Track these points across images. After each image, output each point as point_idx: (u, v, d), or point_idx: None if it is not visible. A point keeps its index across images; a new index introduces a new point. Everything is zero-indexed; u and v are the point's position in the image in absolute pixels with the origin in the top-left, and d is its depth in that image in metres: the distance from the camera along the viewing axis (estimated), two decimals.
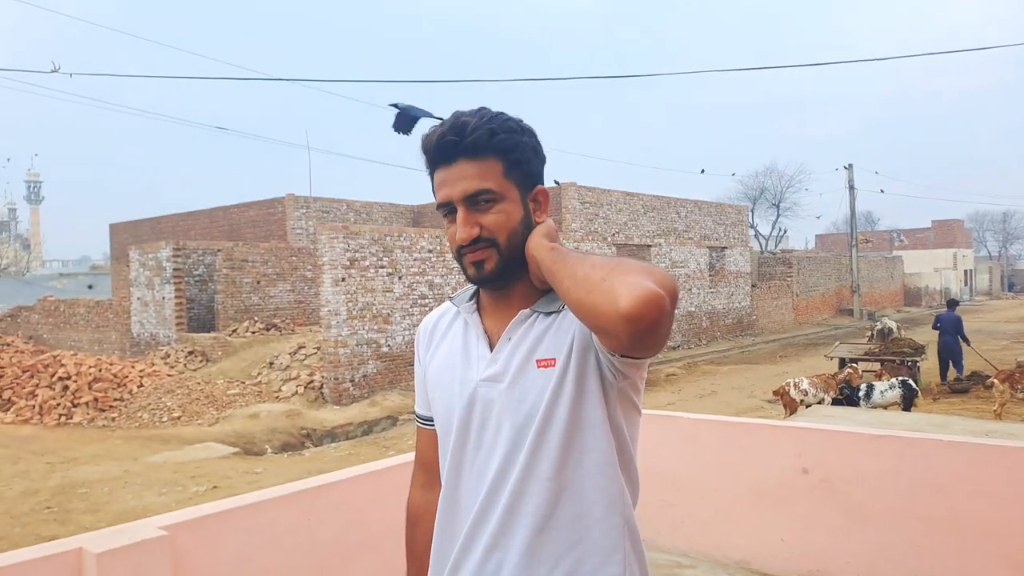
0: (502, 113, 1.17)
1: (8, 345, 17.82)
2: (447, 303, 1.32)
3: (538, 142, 1.22)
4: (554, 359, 1.12)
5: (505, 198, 1.15)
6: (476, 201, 1.14)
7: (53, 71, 8.48)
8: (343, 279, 12.13)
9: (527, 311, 1.17)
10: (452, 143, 1.14)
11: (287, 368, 12.26)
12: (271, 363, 12.59)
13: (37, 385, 13.09)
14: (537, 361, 1.13)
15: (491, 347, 1.19)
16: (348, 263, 12.28)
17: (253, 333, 14.86)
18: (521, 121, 1.20)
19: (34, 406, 12.30)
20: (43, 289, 32.70)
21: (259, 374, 12.36)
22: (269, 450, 9.56)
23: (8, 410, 12.52)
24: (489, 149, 1.14)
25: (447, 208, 1.17)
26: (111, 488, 7.62)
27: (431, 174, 1.20)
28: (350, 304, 12.17)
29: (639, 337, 0.92)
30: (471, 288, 1.27)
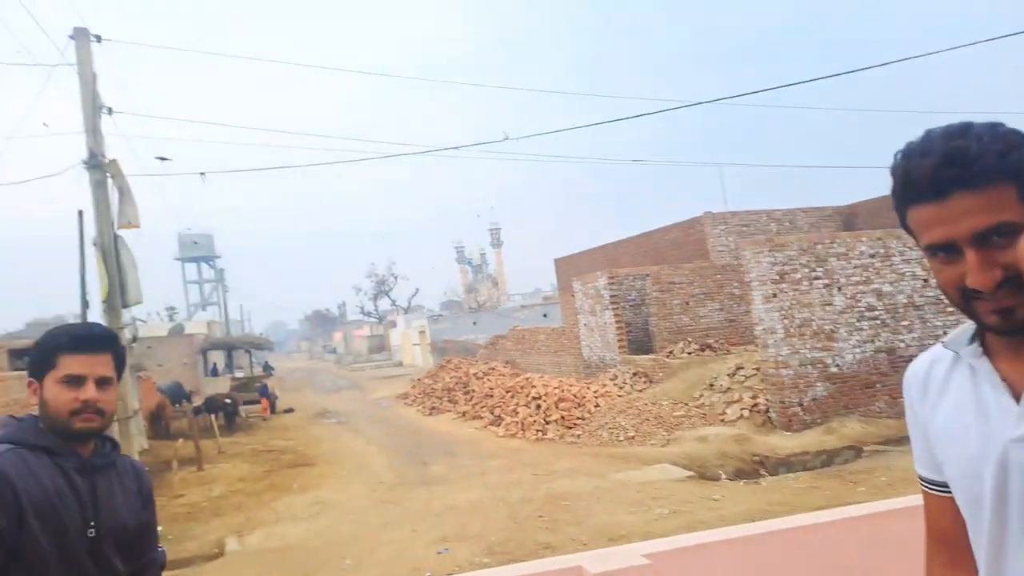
0: (1000, 124, 0.97)
1: (493, 369, 21.86)
2: (938, 347, 1.15)
3: None
4: None
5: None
6: (988, 236, 0.94)
7: (505, 139, 10.16)
8: (774, 295, 11.55)
9: None
10: (957, 173, 0.94)
11: (728, 390, 12.18)
12: (711, 384, 12.69)
13: (518, 404, 15.66)
14: None
15: (1015, 398, 1.00)
16: (777, 277, 11.65)
17: (689, 354, 15.24)
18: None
19: (517, 422, 14.69)
20: (512, 320, 39.58)
21: (700, 396, 12.56)
22: (723, 476, 9.54)
23: (499, 425, 15.27)
24: (999, 174, 0.93)
25: (942, 250, 0.98)
26: (587, 503, 8.54)
27: (905, 204, 1.01)
28: (786, 321, 11.50)
29: None
30: (967, 329, 1.08)
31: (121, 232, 9.77)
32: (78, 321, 12.26)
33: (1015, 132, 0.97)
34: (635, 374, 15.90)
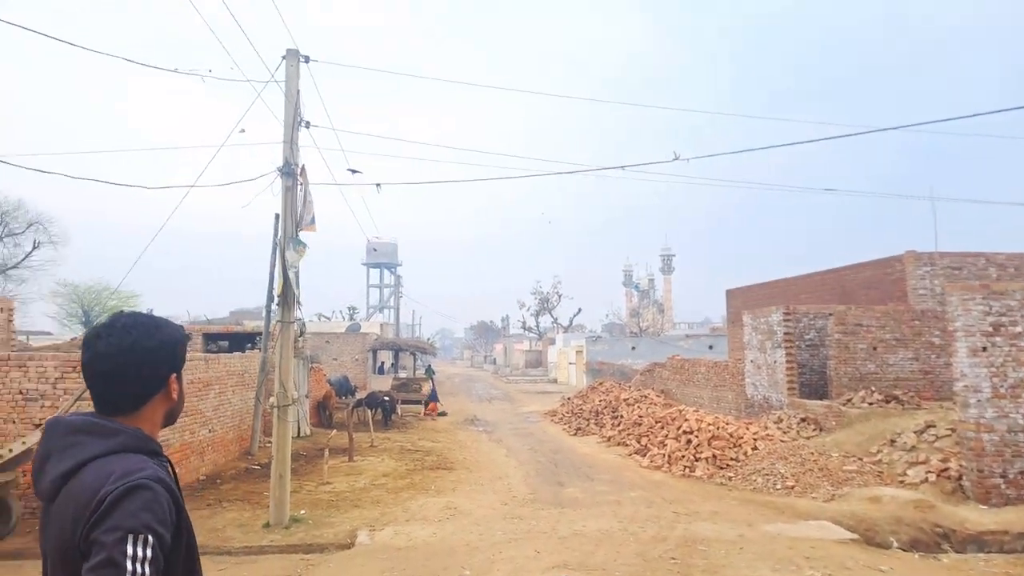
0: None
1: (645, 397, 21.09)
2: None
3: None
4: None
5: None
6: None
7: (675, 159, 9.73)
8: (984, 348, 9.90)
9: None
10: None
11: (912, 449, 10.61)
12: (892, 441, 11.14)
13: (667, 436, 14.91)
14: None
15: None
16: (991, 329, 9.98)
17: (870, 404, 13.58)
18: None
19: (664, 455, 13.96)
20: (673, 348, 38.26)
21: (879, 452, 11.07)
22: (895, 544, 8.27)
23: (644, 455, 14.60)
24: None
25: None
26: (727, 551, 7.79)
27: None
28: (996, 379, 9.80)
29: None
30: None
31: (302, 234, 10.65)
32: (266, 312, 13.47)
33: None
34: (803, 419, 14.49)
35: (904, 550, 8.17)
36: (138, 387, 1.49)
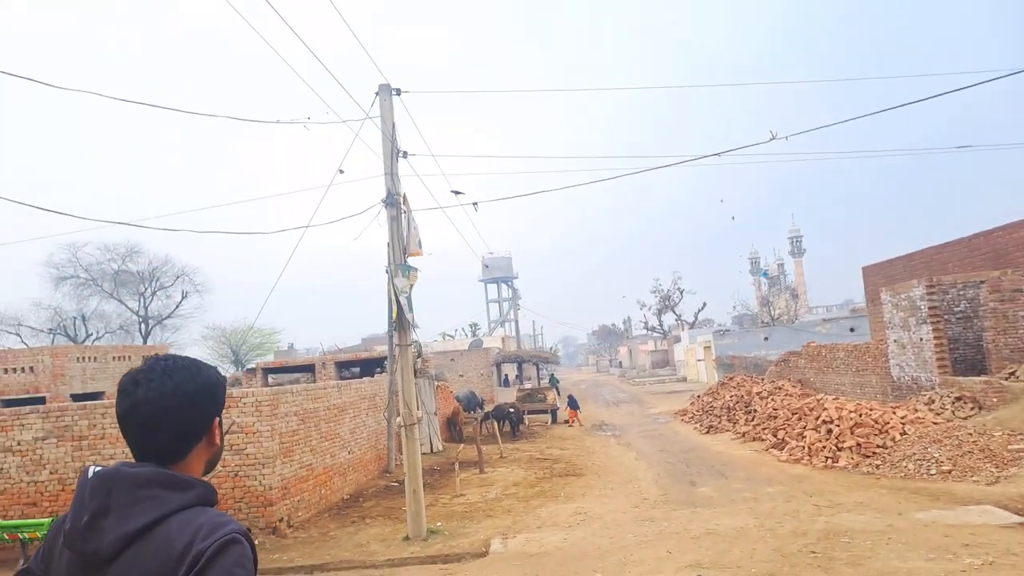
0: None
1: (779, 388, 20.23)
2: None
3: None
4: None
5: None
6: None
7: (772, 139, 9.50)
8: None
9: None
10: None
11: None
12: None
13: (804, 428, 14.27)
14: None
15: None
16: None
17: None
18: None
19: (803, 447, 13.37)
20: (809, 335, 36.31)
21: None
22: None
23: (783, 448, 14.04)
24: None
25: None
26: (873, 542, 7.41)
27: None
28: None
29: None
30: None
31: (410, 260, 11.24)
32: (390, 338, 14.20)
33: None
34: (958, 399, 13.40)
35: None
36: (183, 433, 1.43)
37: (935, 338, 15.16)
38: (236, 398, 9.92)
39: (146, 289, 42.73)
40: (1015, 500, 8.30)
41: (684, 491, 11.42)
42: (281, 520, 9.87)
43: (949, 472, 10.04)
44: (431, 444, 17.46)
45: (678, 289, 71.51)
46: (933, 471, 10.26)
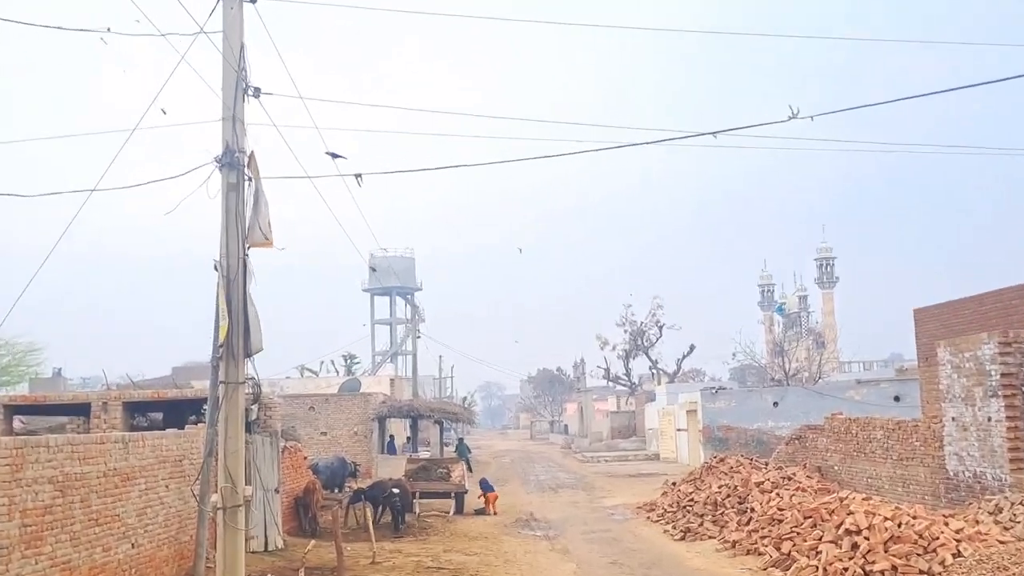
0: None
1: (790, 479, 20.79)
2: None
3: None
4: None
5: None
6: None
7: (791, 118, 9.88)
8: None
9: None
10: None
11: None
12: None
13: (820, 539, 14.67)
14: None
15: None
16: None
17: None
18: None
19: (817, 567, 13.73)
20: (836, 402, 37.54)
21: None
22: None
23: (788, 568, 14.39)
24: None
25: None
26: None
27: None
28: None
29: None
30: None
31: (252, 251, 10.92)
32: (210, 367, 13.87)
33: None
34: None
35: None
36: None
37: (1007, 417, 15.87)
38: None
39: None
40: None
41: None
42: None
43: None
44: (266, 539, 17.08)
45: (657, 322, 72.78)
46: None
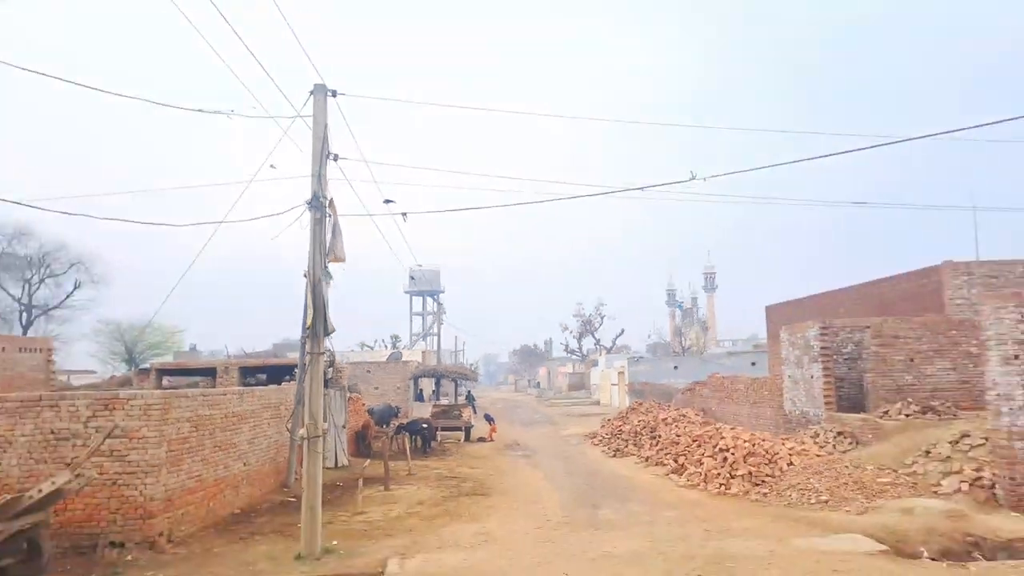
0: None
1: (683, 416, 20.90)
2: None
3: None
4: None
5: None
6: None
7: (692, 179, 9.75)
8: (1016, 356, 9.68)
9: None
10: None
11: (947, 459, 10.35)
12: (928, 452, 10.88)
13: (703, 454, 14.78)
14: None
15: None
16: (1023, 337, 9.76)
17: (907, 416, 13.27)
18: None
19: (700, 473, 13.84)
20: (715, 366, 37.67)
21: (913, 463, 10.82)
22: (925, 554, 8.09)
23: (681, 474, 14.49)
24: None
25: None
26: (755, 567, 7.73)
27: None
28: None
29: None
30: None
31: (331, 265, 10.97)
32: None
33: None
34: (840, 433, 14.22)
35: (934, 559, 7.99)
36: None
37: (824, 376, 16.06)
38: (123, 400, 9.32)
39: (33, 275, 39.28)
40: (879, 529, 8.86)
41: (586, 514, 11.57)
42: (161, 535, 9.27)
43: (826, 502, 10.62)
44: (336, 458, 17.05)
45: (600, 314, 73.28)
46: (813, 500, 10.83)
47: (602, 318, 72.94)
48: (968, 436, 10.68)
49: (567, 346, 76.73)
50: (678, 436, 17.50)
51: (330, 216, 10.70)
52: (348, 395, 19.37)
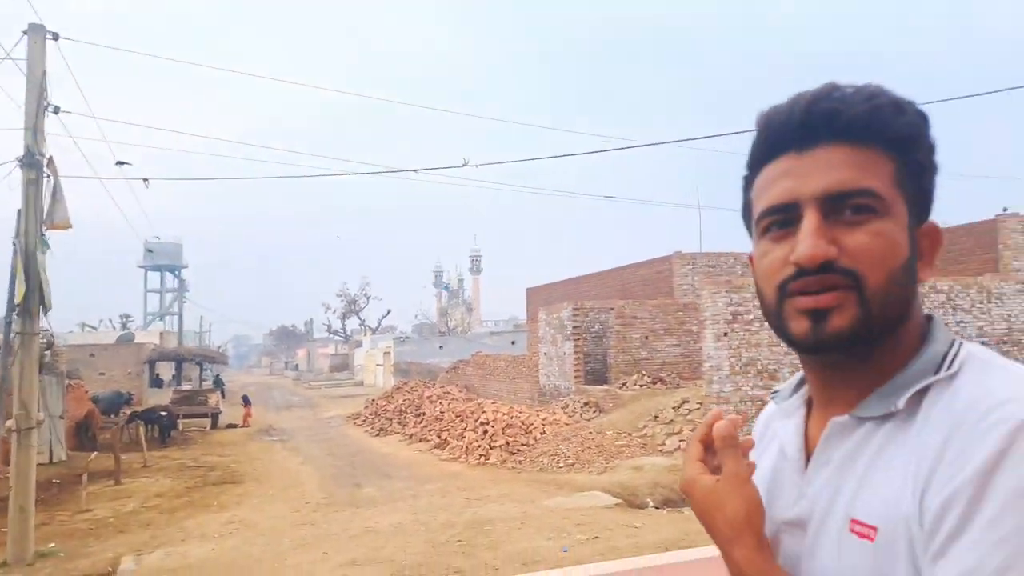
0: (889, 90, 0.76)
1: (447, 393, 21.68)
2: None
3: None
4: (875, 528, 0.68)
5: (889, 213, 0.73)
6: (842, 207, 0.72)
7: (464, 165, 10.15)
8: (725, 334, 11.67)
9: (846, 418, 0.75)
10: (827, 115, 0.73)
11: (671, 422, 12.19)
12: (656, 416, 12.69)
13: (465, 428, 15.52)
14: (852, 521, 0.70)
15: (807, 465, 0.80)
16: (731, 317, 11.79)
17: (641, 386, 15.25)
18: (919, 107, 0.77)
19: (462, 446, 14.54)
20: (479, 345, 39.44)
21: (645, 427, 12.55)
22: (651, 504, 9.50)
23: (443, 448, 15.09)
24: (878, 135, 0.74)
25: (779, 214, 0.76)
26: (509, 528, 8.41)
27: (758, 165, 0.80)
28: (733, 359, 11.61)
29: None
30: (800, 374, 0.87)
31: (51, 232, 9.58)
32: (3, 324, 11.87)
33: (907, 101, 0.76)
34: (586, 403, 15.86)
35: (657, 508, 9.42)
36: None
37: (575, 352, 17.76)
38: None
39: None
40: (615, 486, 10.16)
41: (348, 493, 11.56)
42: None
43: (572, 465, 11.86)
44: (51, 453, 14.92)
45: (365, 294, 72.24)
46: (561, 464, 12.01)
47: (368, 298, 72.11)
48: (687, 402, 12.65)
49: (330, 327, 74.71)
50: (442, 412, 18.09)
51: (49, 176, 9.46)
52: (67, 382, 16.98)
